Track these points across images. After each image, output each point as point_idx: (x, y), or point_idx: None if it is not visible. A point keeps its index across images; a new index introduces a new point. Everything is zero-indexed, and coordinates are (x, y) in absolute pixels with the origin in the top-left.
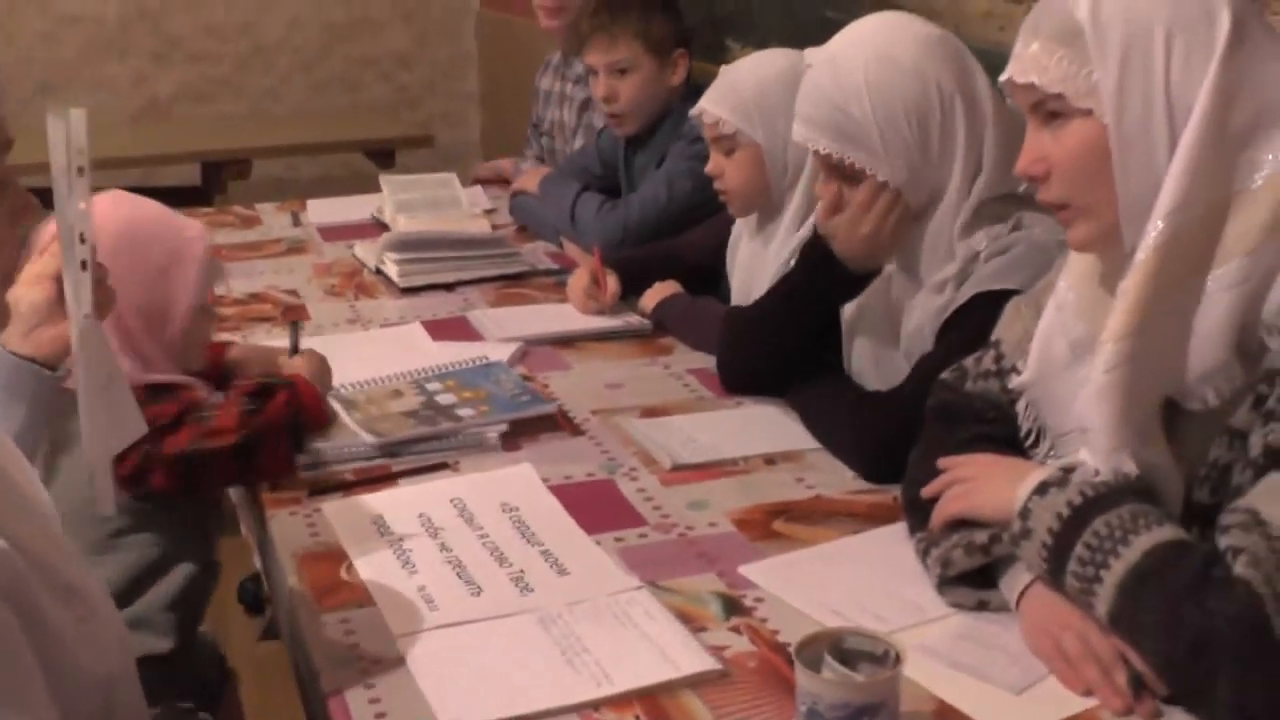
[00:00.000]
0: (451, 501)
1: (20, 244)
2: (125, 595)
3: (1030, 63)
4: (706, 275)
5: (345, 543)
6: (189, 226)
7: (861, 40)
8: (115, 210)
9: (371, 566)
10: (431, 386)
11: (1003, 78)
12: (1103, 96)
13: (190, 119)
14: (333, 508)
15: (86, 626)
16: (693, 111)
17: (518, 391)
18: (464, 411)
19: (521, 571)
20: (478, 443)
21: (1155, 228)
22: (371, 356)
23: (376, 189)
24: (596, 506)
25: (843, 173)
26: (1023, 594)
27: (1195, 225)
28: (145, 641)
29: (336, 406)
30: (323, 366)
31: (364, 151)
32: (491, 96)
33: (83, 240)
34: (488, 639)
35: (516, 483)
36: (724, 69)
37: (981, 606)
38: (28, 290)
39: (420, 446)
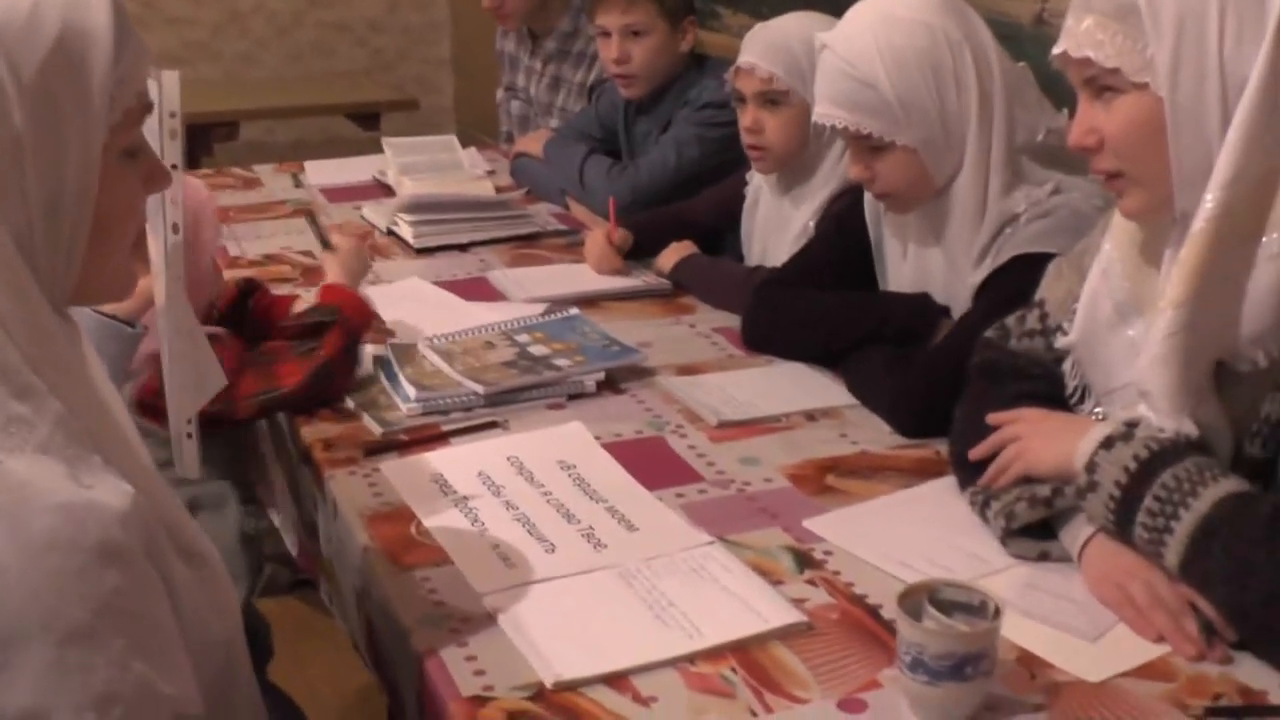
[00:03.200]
0: (508, 460)
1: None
2: None
3: (1085, 38)
4: (712, 236)
5: (411, 501)
6: (200, 186)
7: (863, 10)
8: None
9: (441, 525)
10: (521, 339)
11: (1055, 51)
12: (1158, 71)
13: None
14: (391, 467)
15: (208, 588)
16: (741, 63)
17: (606, 342)
18: (560, 362)
19: (591, 528)
20: (579, 390)
21: (1212, 199)
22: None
23: (357, 152)
24: (651, 463)
25: (868, 145)
26: (1085, 545)
27: (1247, 196)
28: None
29: (434, 358)
30: (357, 254)
31: (349, 115)
32: (464, 62)
33: (173, 203)
34: (572, 595)
35: (570, 441)
36: (759, 26)
37: (1043, 557)
38: None
39: (523, 395)
